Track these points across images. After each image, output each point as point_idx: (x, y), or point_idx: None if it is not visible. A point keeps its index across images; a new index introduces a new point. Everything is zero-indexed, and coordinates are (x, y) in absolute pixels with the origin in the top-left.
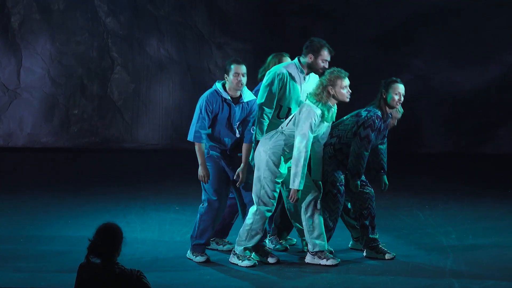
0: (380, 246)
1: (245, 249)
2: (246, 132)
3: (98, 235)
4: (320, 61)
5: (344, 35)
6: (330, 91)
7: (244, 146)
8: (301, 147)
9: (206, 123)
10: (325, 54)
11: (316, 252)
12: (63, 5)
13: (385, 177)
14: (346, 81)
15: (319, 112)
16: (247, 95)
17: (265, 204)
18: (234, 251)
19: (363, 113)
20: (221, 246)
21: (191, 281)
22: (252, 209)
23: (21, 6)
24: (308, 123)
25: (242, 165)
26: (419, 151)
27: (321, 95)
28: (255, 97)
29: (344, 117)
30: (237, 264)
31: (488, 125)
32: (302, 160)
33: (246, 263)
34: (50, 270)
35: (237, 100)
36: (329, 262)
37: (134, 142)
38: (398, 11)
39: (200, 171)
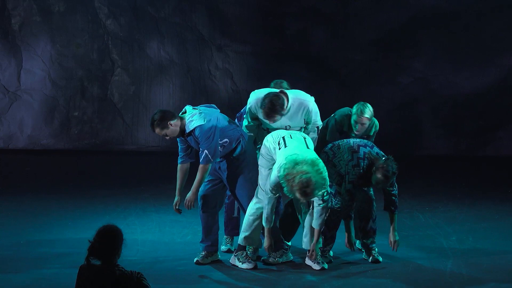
0: (373, 251)
1: (246, 238)
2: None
3: (98, 237)
4: None
5: (344, 37)
6: (291, 186)
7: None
8: (266, 205)
9: (183, 147)
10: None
11: (311, 253)
12: (63, 7)
13: (396, 219)
14: (297, 195)
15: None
16: (190, 126)
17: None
18: (235, 253)
19: (362, 151)
20: (223, 245)
21: (191, 282)
22: (253, 201)
23: (22, 8)
24: (271, 186)
25: (191, 190)
26: (419, 154)
27: (290, 181)
28: (196, 125)
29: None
30: (237, 266)
31: (488, 128)
32: (268, 221)
33: (246, 265)
34: (50, 272)
35: (183, 133)
36: (316, 267)
37: (135, 144)
38: (398, 13)
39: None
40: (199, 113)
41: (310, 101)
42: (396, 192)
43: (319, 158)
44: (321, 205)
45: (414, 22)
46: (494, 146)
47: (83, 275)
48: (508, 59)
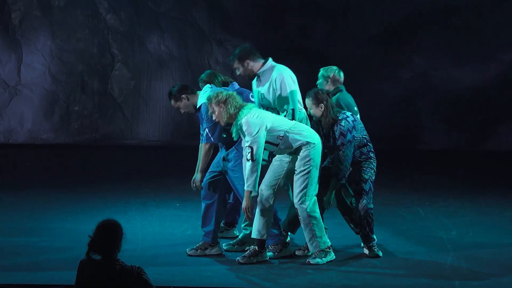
0: (373, 248)
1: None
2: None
3: (98, 232)
4: None
5: (344, 32)
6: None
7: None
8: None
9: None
10: None
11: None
12: (64, 1)
13: (332, 186)
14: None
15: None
16: (198, 102)
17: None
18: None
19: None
20: (225, 232)
21: (191, 277)
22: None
23: (22, 3)
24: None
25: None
26: (419, 148)
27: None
28: (202, 101)
29: None
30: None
31: (488, 122)
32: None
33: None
34: (51, 266)
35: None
36: (314, 262)
37: (135, 138)
38: (398, 8)
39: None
40: (211, 90)
41: (282, 71)
42: (342, 154)
43: (255, 110)
44: (247, 161)
45: (414, 17)
46: (494, 141)
47: (84, 269)
48: (508, 54)
